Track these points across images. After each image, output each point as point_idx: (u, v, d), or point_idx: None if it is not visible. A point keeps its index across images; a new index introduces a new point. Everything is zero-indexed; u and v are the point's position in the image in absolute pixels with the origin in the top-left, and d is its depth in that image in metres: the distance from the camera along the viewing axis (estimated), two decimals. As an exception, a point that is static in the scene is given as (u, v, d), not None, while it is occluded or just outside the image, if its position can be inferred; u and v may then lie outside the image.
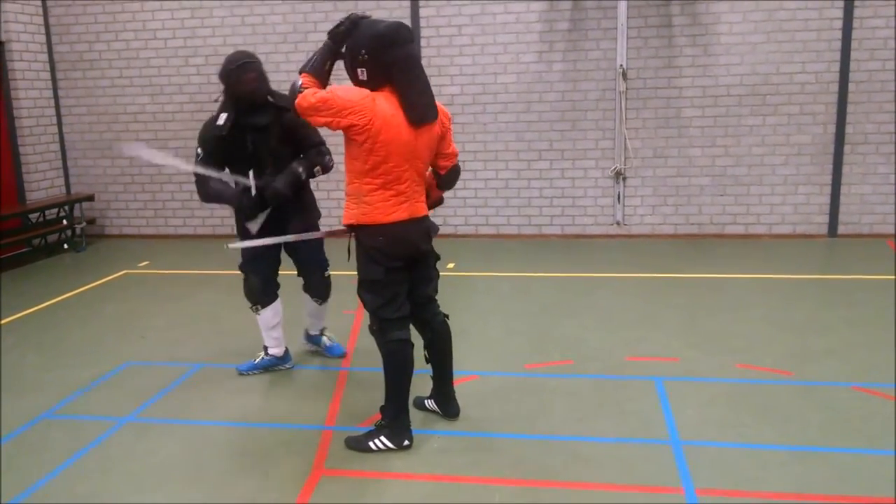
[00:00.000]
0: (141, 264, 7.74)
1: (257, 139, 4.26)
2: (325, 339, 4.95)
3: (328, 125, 3.29)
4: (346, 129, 3.27)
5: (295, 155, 4.39)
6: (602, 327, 5.32)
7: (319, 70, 3.37)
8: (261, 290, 4.56)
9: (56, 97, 9.02)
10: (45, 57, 8.86)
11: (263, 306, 4.60)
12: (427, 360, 3.84)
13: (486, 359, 4.81)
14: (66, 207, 8.64)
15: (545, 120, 8.17)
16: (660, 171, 8.08)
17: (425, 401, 4.02)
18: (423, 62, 8.16)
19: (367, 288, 3.54)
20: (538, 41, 8.02)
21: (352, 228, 3.49)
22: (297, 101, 3.30)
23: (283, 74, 8.47)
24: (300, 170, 4.33)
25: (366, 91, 3.29)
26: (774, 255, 7.29)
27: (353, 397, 4.27)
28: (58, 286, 6.92)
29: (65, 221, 8.61)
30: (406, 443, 3.61)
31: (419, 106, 3.33)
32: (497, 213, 8.47)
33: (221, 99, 4.30)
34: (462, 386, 4.36)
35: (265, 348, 4.70)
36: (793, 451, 3.53)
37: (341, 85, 3.34)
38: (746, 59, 7.73)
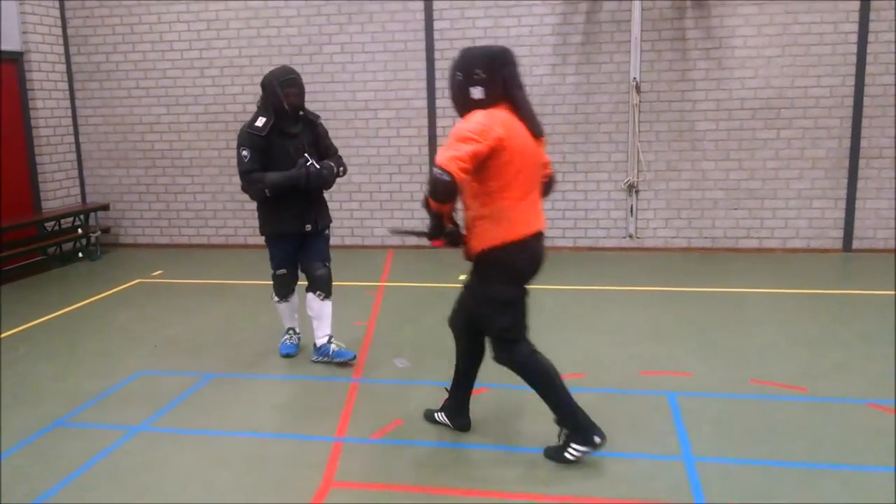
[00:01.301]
0: (154, 273, 7.78)
1: (293, 144, 4.73)
2: (332, 346, 5.00)
3: (484, 154, 3.21)
4: (492, 149, 3.23)
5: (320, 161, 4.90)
6: (614, 341, 5.30)
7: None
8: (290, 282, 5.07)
9: (73, 107, 9.12)
10: (62, 67, 8.97)
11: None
12: (459, 372, 3.85)
13: (498, 371, 4.75)
14: (82, 216, 8.72)
15: (558, 132, 8.17)
16: (673, 184, 8.05)
17: (435, 413, 4.01)
18: (437, 74, 8.25)
19: (497, 309, 3.50)
20: (552, 54, 8.04)
21: (492, 250, 3.41)
22: (450, 178, 3.14)
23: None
24: (332, 164, 4.86)
25: (482, 111, 3.31)
26: (788, 270, 7.24)
27: (364, 409, 4.26)
28: (72, 295, 6.97)
29: (80, 230, 8.68)
30: (597, 440, 3.53)
31: (535, 118, 3.44)
32: (509, 225, 8.45)
33: (259, 104, 4.77)
34: (474, 399, 4.35)
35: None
36: (806, 468, 3.49)
37: (461, 124, 3.30)
38: (761, 73, 7.71)
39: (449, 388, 3.95)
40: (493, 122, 3.26)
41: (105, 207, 9.00)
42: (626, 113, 7.93)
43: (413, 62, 8.29)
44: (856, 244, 7.81)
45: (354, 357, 5.00)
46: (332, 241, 8.69)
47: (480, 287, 3.53)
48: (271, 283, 5.16)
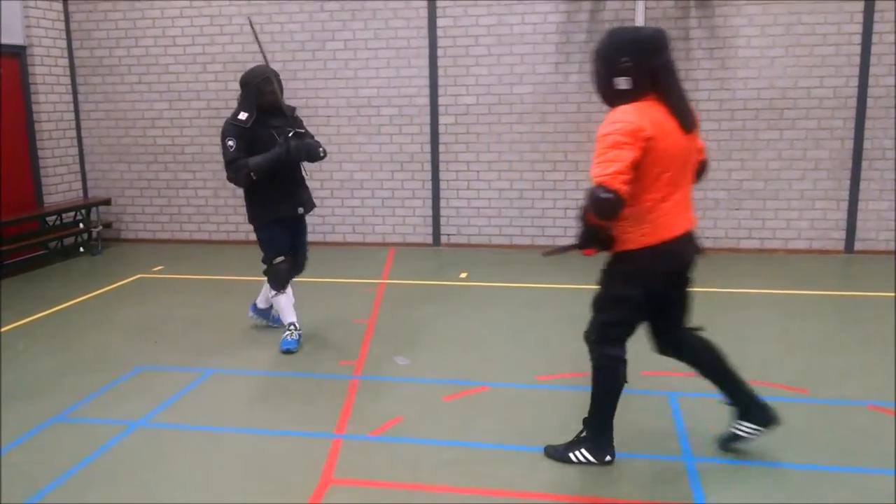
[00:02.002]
0: (156, 269, 7.78)
1: (275, 134, 4.93)
2: (274, 313, 5.52)
3: (639, 159, 3.03)
4: (643, 151, 3.03)
5: None
6: (615, 340, 5.27)
7: None
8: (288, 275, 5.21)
9: (75, 101, 9.11)
10: (65, 62, 8.97)
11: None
12: (718, 380, 3.58)
13: (497, 369, 4.79)
14: (83, 211, 8.72)
15: (560, 131, 8.16)
16: (675, 183, 8.03)
17: (732, 430, 3.57)
18: (440, 72, 8.23)
19: (611, 303, 3.37)
20: (555, 52, 8.02)
21: (628, 253, 3.24)
22: (614, 196, 2.95)
23: (300, 82, 8.53)
24: (312, 142, 5.07)
25: (628, 108, 3.08)
26: (790, 271, 7.23)
27: (364, 406, 4.26)
28: (72, 289, 6.97)
29: (81, 225, 8.68)
30: (608, 458, 3.50)
31: (688, 111, 3.19)
32: (511, 223, 8.46)
33: (239, 99, 5.02)
34: (473, 397, 4.35)
35: (290, 325, 5.20)
36: (806, 469, 3.49)
37: (606, 126, 3.06)
38: (764, 73, 7.69)
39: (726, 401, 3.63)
40: (642, 121, 3.01)
41: (107, 202, 8.99)
42: (629, 112, 7.91)
43: (416, 59, 8.28)
44: (858, 246, 7.79)
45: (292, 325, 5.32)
46: (333, 238, 8.81)
47: (605, 281, 3.39)
48: (266, 276, 5.18)
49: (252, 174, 4.83)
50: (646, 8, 7.66)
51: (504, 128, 8.26)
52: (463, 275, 7.25)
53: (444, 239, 8.61)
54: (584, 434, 3.58)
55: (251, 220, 5.15)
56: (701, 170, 3.52)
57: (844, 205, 7.77)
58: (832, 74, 7.58)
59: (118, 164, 9.20)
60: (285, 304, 5.22)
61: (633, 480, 3.40)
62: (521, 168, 8.32)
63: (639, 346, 5.14)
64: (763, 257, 7.80)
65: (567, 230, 8.33)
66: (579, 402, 4.25)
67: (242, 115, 4.90)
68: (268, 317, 5.61)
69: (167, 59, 8.82)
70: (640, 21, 7.59)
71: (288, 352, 5.12)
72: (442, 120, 8.34)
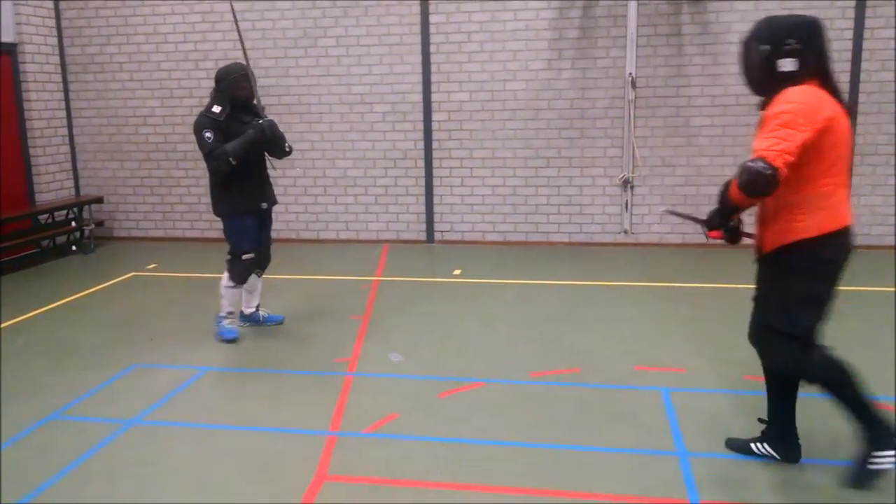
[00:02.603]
0: (149, 267, 7.76)
1: (246, 129, 5.05)
2: (261, 313, 5.65)
3: (812, 141, 2.91)
4: (819, 132, 2.92)
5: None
6: (609, 336, 5.31)
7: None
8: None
9: (67, 99, 9.07)
10: (56, 59, 8.93)
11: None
12: (776, 393, 3.49)
13: (492, 366, 4.80)
14: (75, 209, 8.69)
15: (553, 127, 8.17)
16: (668, 179, 8.06)
17: (752, 444, 3.55)
18: (433, 68, 8.23)
19: (804, 307, 3.14)
20: (547, 49, 8.03)
21: (803, 242, 3.06)
22: (773, 173, 2.81)
23: (292, 79, 8.52)
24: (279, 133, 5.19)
25: (802, 89, 2.97)
26: (782, 266, 7.25)
27: (358, 403, 4.26)
28: (66, 288, 6.95)
29: (73, 223, 8.65)
30: None
31: (842, 95, 3.12)
32: (504, 220, 8.47)
33: (213, 94, 5.13)
34: (467, 393, 4.36)
35: (230, 314, 5.35)
36: (800, 463, 3.51)
37: (784, 104, 2.92)
38: (756, 69, 7.70)
39: (765, 417, 3.55)
40: (819, 101, 2.94)
41: (99, 200, 8.96)
42: (622, 108, 7.93)
43: (409, 56, 8.27)
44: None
45: (282, 320, 5.64)
46: (327, 235, 8.81)
47: (782, 281, 3.17)
48: (228, 267, 5.27)
49: (231, 160, 4.94)
50: (638, 4, 7.67)
51: (497, 124, 8.27)
52: (457, 271, 7.26)
53: (437, 236, 8.61)
54: (872, 435, 3.21)
55: (218, 212, 5.24)
56: None
57: (836, 200, 7.79)
58: (824, 70, 7.60)
59: (110, 162, 9.17)
60: (234, 297, 5.34)
61: (626, 476, 3.42)
62: (514, 164, 8.33)
63: (628, 341, 5.18)
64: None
65: (561, 227, 8.34)
66: (576, 398, 4.27)
67: (216, 109, 5.03)
68: (258, 319, 5.64)
69: (159, 56, 8.80)
70: (632, 16, 7.61)
71: (233, 340, 5.28)
72: (435, 117, 8.34)
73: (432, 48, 8.20)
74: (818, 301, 3.15)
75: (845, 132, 3.04)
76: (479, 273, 7.22)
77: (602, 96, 8.03)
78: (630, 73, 7.78)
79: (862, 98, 7.58)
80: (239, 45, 8.49)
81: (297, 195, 8.80)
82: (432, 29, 8.17)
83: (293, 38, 8.46)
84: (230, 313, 5.36)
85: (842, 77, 7.56)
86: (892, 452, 3.16)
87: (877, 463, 3.17)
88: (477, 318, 5.78)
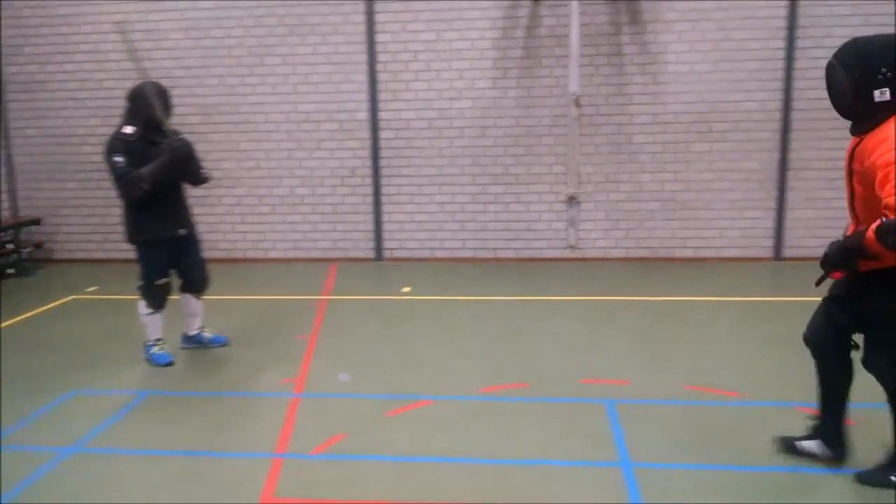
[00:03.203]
0: (89, 290, 7.57)
1: (158, 151, 4.90)
2: (205, 334, 5.55)
3: None
4: None
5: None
6: (556, 351, 5.37)
7: None
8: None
9: (4, 119, 8.82)
10: (-8, 78, 8.69)
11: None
12: (829, 393, 3.58)
13: (441, 383, 4.81)
14: (12, 231, 8.43)
15: (500, 145, 8.27)
16: (612, 195, 8.23)
17: (797, 443, 3.69)
18: (379, 87, 8.27)
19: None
20: (493, 68, 8.15)
21: None
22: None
23: (238, 98, 8.45)
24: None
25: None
26: (722, 278, 7.47)
27: (306, 424, 4.22)
28: (3, 312, 6.72)
29: (10, 245, 8.38)
30: None
31: None
32: (452, 236, 8.52)
33: (126, 114, 4.99)
34: (417, 411, 4.36)
35: (158, 340, 5.26)
36: (739, 470, 3.60)
37: (882, 151, 2.94)
38: (694, 88, 7.95)
39: (817, 415, 3.65)
40: None
41: (36, 222, 8.72)
42: (566, 126, 8.08)
43: (355, 74, 8.30)
44: (786, 253, 8.10)
45: (227, 342, 5.56)
46: (275, 254, 8.73)
47: (887, 303, 3.23)
48: (141, 295, 5.20)
49: (145, 185, 4.80)
50: (580, 24, 7.85)
51: (444, 142, 8.34)
52: (406, 289, 7.27)
53: (386, 253, 8.62)
54: (894, 455, 3.42)
55: (131, 239, 5.13)
56: None
57: (773, 213, 8.07)
58: (759, 88, 7.89)
59: (50, 182, 8.94)
60: (157, 322, 5.24)
61: (570, 487, 3.46)
62: (462, 182, 8.40)
63: (575, 354, 5.26)
64: (696, 265, 8.04)
65: (508, 243, 8.43)
66: (525, 412, 4.31)
67: (128, 129, 4.89)
68: (202, 341, 5.55)
69: (100, 74, 8.63)
70: (574, 36, 7.77)
71: (169, 364, 5.19)
72: (383, 135, 8.37)
73: (379, 66, 8.24)
74: None
75: None
76: (428, 290, 7.23)
77: (547, 114, 8.17)
78: (573, 92, 7.94)
79: (794, 116, 7.88)
80: (183, 64, 8.47)
81: (244, 214, 8.70)
82: (378, 48, 8.22)
83: (238, 57, 8.40)
84: (158, 339, 5.27)
85: (775, 95, 7.87)
86: None
87: None
88: (426, 336, 5.80)
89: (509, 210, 8.39)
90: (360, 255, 8.64)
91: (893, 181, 2.87)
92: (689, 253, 8.23)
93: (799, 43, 7.78)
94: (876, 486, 3.42)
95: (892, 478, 3.42)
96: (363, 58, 8.26)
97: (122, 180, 4.80)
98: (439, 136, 8.33)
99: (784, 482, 3.51)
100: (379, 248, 8.60)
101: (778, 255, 8.11)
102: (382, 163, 8.44)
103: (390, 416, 4.29)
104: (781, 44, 7.81)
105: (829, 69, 3.16)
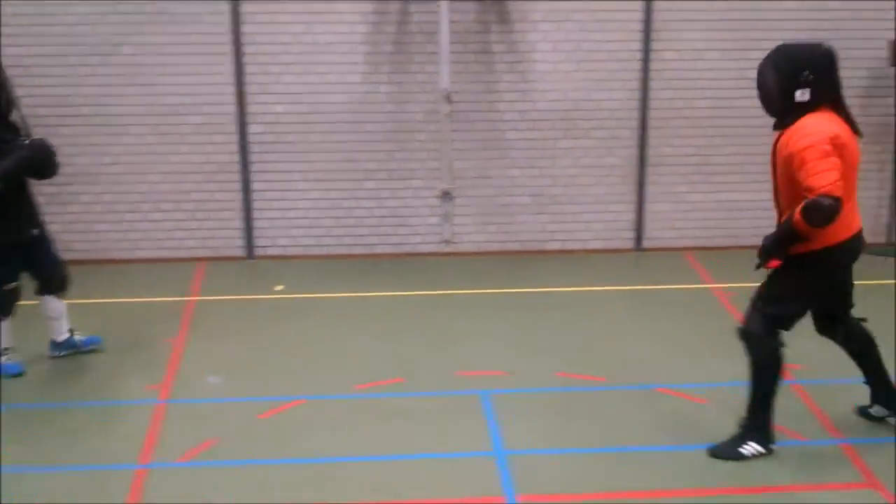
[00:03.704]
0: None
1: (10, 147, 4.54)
2: (77, 337, 5.16)
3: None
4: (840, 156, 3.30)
5: None
6: (432, 345, 5.42)
7: None
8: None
9: None
10: None
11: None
12: (867, 367, 3.89)
13: (316, 382, 4.74)
14: None
15: (374, 140, 8.22)
16: (484, 190, 8.38)
17: (868, 409, 4.03)
18: (247, 79, 8.01)
19: (790, 297, 3.56)
20: (364, 62, 8.08)
21: (812, 253, 3.43)
22: (837, 203, 3.21)
23: (92, 88, 7.91)
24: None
25: (817, 118, 3.35)
26: (589, 269, 7.78)
27: (172, 431, 4.04)
28: None
29: None
30: (772, 446, 3.70)
31: (853, 117, 3.48)
32: (327, 233, 8.39)
33: None
34: (290, 412, 4.28)
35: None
36: (607, 452, 3.79)
37: (807, 138, 3.29)
38: (559, 86, 8.22)
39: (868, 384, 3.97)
40: (835, 128, 3.34)
41: None
42: (439, 122, 8.14)
43: (221, 66, 7.98)
44: (646, 244, 8.54)
45: (100, 341, 5.21)
46: (139, 255, 8.27)
47: (786, 278, 3.54)
48: None
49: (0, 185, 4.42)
50: (449, 21, 7.93)
51: (317, 136, 8.19)
52: (279, 287, 7.09)
53: (258, 251, 8.37)
54: (745, 428, 3.71)
55: None
56: None
57: (633, 207, 8.49)
58: (619, 88, 8.26)
59: None
60: (7, 330, 4.88)
61: (445, 479, 3.50)
62: (335, 177, 8.28)
63: (451, 347, 5.33)
64: (565, 257, 8.33)
65: (384, 238, 8.41)
66: (400, 408, 4.32)
67: None
68: (76, 345, 5.14)
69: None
70: (444, 34, 7.84)
71: (19, 374, 4.85)
72: (252, 129, 8.11)
73: (246, 59, 7.97)
74: (804, 294, 3.60)
75: (855, 153, 3.46)
76: (302, 288, 7.10)
77: (419, 110, 8.20)
78: (444, 88, 8.02)
79: (651, 114, 8.31)
80: (32, 52, 7.83)
81: (101, 213, 8.17)
82: (245, 39, 7.95)
83: (91, 45, 7.87)
84: (6, 349, 4.88)
85: (633, 95, 8.28)
86: (761, 449, 3.69)
87: (747, 448, 3.68)
88: (300, 334, 5.69)
89: (384, 206, 8.36)
90: (230, 253, 8.33)
91: (809, 164, 3.25)
92: (557, 245, 8.51)
93: (654, 45, 8.21)
94: (727, 459, 3.68)
95: (741, 450, 3.69)
96: (228, 49, 7.96)
97: None
98: (311, 130, 8.17)
99: (645, 460, 3.71)
100: (250, 245, 8.34)
101: (639, 246, 8.54)
102: (252, 157, 8.18)
103: (262, 419, 4.19)
104: (638, 45, 8.21)
105: (761, 69, 3.51)
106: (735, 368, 4.81)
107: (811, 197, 3.23)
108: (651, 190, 8.44)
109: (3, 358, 4.86)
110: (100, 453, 3.80)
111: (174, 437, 3.94)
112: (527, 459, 3.69)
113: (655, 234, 8.51)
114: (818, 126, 3.35)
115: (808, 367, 4.44)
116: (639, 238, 8.51)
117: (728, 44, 8.18)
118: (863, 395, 4.08)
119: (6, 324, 4.86)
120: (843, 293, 3.79)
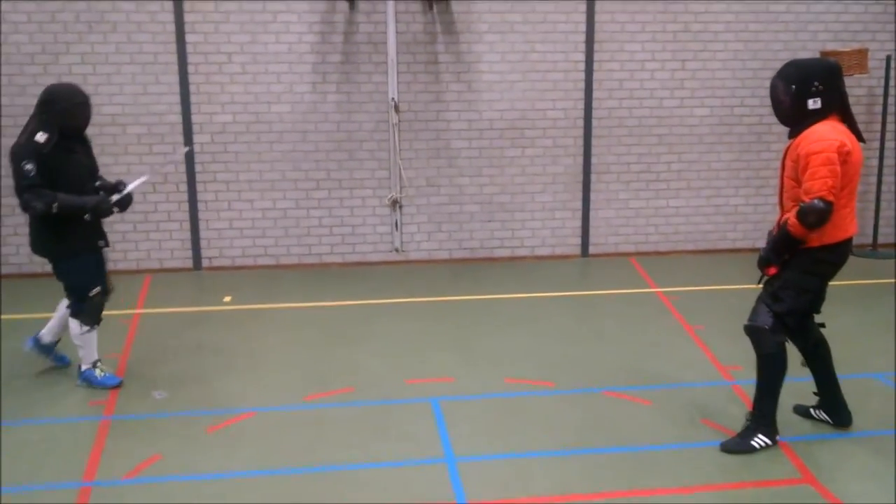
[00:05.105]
0: None
1: (78, 162, 4.66)
2: (55, 349, 5.10)
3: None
4: (843, 163, 3.57)
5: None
6: (383, 353, 5.43)
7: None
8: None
9: None
10: None
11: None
12: (818, 372, 4.08)
13: (265, 394, 4.70)
14: None
15: (322, 150, 8.21)
16: (433, 199, 8.44)
17: (811, 409, 4.20)
18: (192, 89, 7.91)
19: (795, 294, 3.75)
20: (311, 72, 8.07)
21: (808, 251, 3.67)
22: (829, 206, 3.51)
23: (29, 98, 7.70)
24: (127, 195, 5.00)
25: (826, 127, 3.60)
26: (537, 276, 7.90)
27: (116, 448, 3.96)
28: None
29: None
30: (778, 438, 3.89)
31: (858, 126, 3.76)
32: (276, 243, 8.33)
33: (35, 118, 4.59)
34: (238, 425, 4.24)
35: (96, 363, 4.84)
36: (555, 455, 3.86)
37: (817, 143, 3.55)
38: (506, 96, 8.35)
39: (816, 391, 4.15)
40: (841, 135, 3.60)
41: None
42: (387, 131, 8.18)
43: (164, 76, 7.87)
44: (592, 250, 8.72)
45: (70, 363, 5.07)
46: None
47: (786, 275, 3.73)
48: (78, 311, 4.70)
49: (55, 207, 4.43)
50: (397, 31, 7.99)
51: (264, 146, 8.13)
52: (227, 299, 7.01)
53: (205, 262, 8.26)
54: (754, 421, 3.89)
55: (59, 252, 4.67)
56: None
57: (579, 214, 8.66)
58: (563, 98, 8.43)
59: None
60: (95, 340, 4.82)
61: (396, 487, 3.52)
62: (284, 187, 8.24)
63: (401, 356, 5.35)
64: (514, 264, 8.44)
65: (333, 248, 8.39)
66: (350, 417, 4.32)
67: (41, 137, 4.46)
68: (50, 353, 5.04)
69: None
70: (391, 43, 7.89)
71: (118, 385, 4.80)
72: (197, 139, 8.01)
73: (190, 68, 7.88)
74: (808, 292, 3.80)
75: (859, 160, 3.72)
76: (251, 299, 7.03)
77: (367, 119, 8.22)
78: (392, 98, 8.06)
79: (594, 123, 8.50)
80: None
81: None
82: (189, 48, 7.86)
83: (30, 54, 7.68)
84: (96, 361, 4.80)
85: (577, 104, 8.45)
86: (769, 441, 3.88)
87: (758, 441, 3.87)
88: (249, 346, 5.63)
89: (333, 215, 8.35)
90: (176, 264, 8.20)
91: (812, 168, 3.55)
92: (506, 253, 8.62)
93: (597, 56, 8.41)
94: (739, 453, 3.86)
95: (753, 443, 3.88)
96: (173, 58, 7.86)
97: (32, 190, 4.40)
98: (258, 140, 8.11)
99: (592, 463, 3.79)
100: (197, 257, 8.22)
101: (585, 253, 8.71)
102: (198, 168, 8.08)
103: (210, 433, 4.14)
104: (581, 56, 8.40)
105: (773, 85, 3.80)
106: (679, 371, 4.99)
107: (807, 199, 3.54)
108: (596, 197, 8.63)
109: (98, 371, 4.78)
110: (43, 471, 3.70)
111: (119, 454, 3.87)
112: (477, 465, 3.74)
113: (601, 240, 8.69)
114: (828, 134, 3.62)
115: (747, 370, 4.59)
116: (585, 244, 8.68)
117: (668, 55, 8.44)
118: (798, 394, 4.25)
119: (95, 334, 4.80)
120: (822, 295, 3.97)
